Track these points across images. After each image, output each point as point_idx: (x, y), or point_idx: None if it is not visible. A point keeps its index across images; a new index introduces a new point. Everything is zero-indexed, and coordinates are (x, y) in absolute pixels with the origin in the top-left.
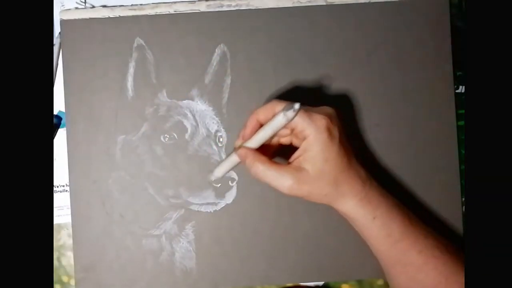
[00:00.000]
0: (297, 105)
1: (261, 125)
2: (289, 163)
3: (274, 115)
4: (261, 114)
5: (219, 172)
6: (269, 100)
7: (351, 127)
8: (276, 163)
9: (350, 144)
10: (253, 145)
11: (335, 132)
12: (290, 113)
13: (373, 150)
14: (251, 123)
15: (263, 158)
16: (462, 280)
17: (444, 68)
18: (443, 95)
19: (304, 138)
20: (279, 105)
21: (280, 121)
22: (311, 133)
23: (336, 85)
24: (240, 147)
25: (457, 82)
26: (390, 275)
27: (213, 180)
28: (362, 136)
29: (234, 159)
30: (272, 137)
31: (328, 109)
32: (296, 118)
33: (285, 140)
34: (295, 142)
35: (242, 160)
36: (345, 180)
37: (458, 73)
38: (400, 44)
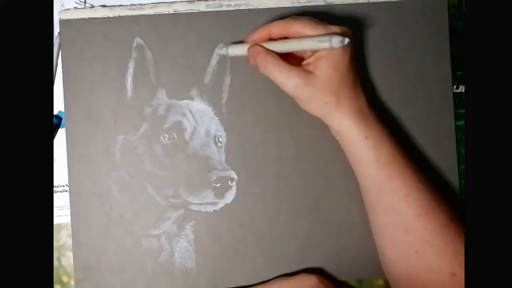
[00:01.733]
0: (347, 40)
1: (270, 39)
2: (300, 66)
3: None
4: (275, 29)
5: (232, 51)
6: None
7: None
8: (287, 63)
9: (358, 72)
10: (275, 49)
11: (348, 49)
12: (336, 43)
13: None
14: (260, 34)
15: (275, 54)
16: (442, 216)
17: (443, 68)
18: (442, 95)
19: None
20: (295, 25)
21: (322, 45)
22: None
23: None
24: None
25: (457, 81)
26: (375, 210)
27: (222, 52)
28: None
29: (245, 49)
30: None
31: (344, 28)
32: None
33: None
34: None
35: (253, 57)
36: (347, 95)
37: (458, 73)
38: (399, 43)
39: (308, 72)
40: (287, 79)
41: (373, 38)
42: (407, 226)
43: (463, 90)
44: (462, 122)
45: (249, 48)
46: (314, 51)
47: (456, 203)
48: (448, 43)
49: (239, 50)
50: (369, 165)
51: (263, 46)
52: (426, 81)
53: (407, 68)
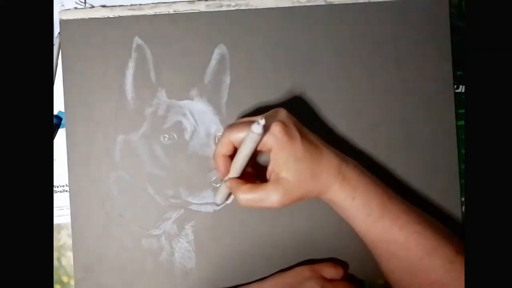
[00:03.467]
0: (262, 121)
1: (230, 157)
2: (268, 180)
3: (242, 139)
4: (223, 149)
5: (219, 200)
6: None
7: (351, 127)
8: (257, 185)
9: (314, 134)
10: (235, 174)
11: (294, 132)
12: (257, 128)
13: (373, 150)
14: (220, 161)
15: (245, 187)
16: (445, 253)
17: (444, 68)
18: (443, 95)
19: (270, 151)
20: (233, 133)
21: (252, 139)
22: (272, 143)
23: (336, 85)
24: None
25: (457, 81)
26: (377, 256)
27: (219, 204)
28: (361, 136)
29: (225, 190)
30: (249, 158)
31: (278, 112)
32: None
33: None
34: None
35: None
36: (321, 170)
37: (458, 73)
38: (400, 43)
39: (279, 180)
40: (269, 202)
41: (373, 38)
42: (412, 270)
43: (463, 90)
44: (462, 122)
45: (229, 185)
46: (267, 152)
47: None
48: (449, 43)
49: (224, 195)
50: (362, 221)
51: (234, 180)
52: (426, 81)
53: (407, 68)
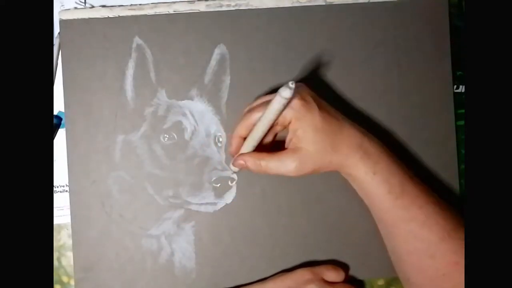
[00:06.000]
0: (292, 84)
1: (244, 139)
2: (285, 148)
3: (268, 106)
4: (242, 130)
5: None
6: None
7: None
8: (274, 152)
9: (335, 109)
10: (254, 144)
11: (312, 104)
12: (287, 92)
13: None
14: (235, 142)
15: (261, 154)
16: (462, 236)
17: (443, 68)
18: (442, 95)
19: (288, 124)
20: (253, 114)
21: (279, 102)
22: (290, 114)
23: (336, 85)
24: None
25: (457, 81)
26: (395, 238)
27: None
28: None
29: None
30: (268, 130)
31: (297, 87)
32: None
33: (271, 135)
34: (281, 133)
35: (243, 168)
36: (341, 142)
37: (458, 73)
38: (399, 44)
39: (296, 149)
40: (285, 169)
41: (373, 38)
42: (431, 251)
43: (463, 90)
44: (462, 122)
45: (234, 162)
46: (285, 125)
47: (456, 204)
48: (448, 44)
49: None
50: (382, 198)
51: (244, 154)
52: (426, 81)
53: (407, 68)
